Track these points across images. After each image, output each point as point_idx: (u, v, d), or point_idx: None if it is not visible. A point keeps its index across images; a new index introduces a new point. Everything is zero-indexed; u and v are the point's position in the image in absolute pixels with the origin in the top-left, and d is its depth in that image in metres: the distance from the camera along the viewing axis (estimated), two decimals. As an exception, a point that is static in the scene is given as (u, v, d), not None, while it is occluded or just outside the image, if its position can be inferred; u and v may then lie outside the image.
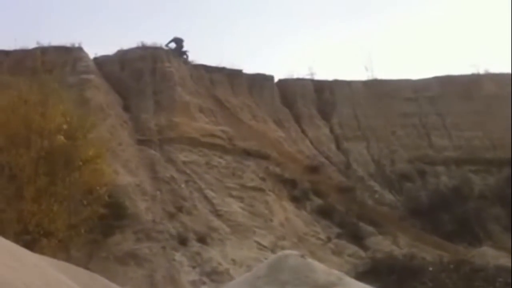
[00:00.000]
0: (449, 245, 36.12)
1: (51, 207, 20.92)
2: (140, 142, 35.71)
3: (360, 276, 21.75)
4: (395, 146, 47.51)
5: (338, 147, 46.27)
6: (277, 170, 38.94)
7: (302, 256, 13.59)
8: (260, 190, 36.14)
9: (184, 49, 44.05)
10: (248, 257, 29.40)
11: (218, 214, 32.56)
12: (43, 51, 38.63)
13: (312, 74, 51.23)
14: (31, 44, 39.31)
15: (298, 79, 50.03)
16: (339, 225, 36.29)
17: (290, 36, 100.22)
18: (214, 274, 27.78)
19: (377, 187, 43.44)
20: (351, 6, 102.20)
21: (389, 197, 43.13)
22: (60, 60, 37.88)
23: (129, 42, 50.23)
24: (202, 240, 30.13)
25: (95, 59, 41.02)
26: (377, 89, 50.68)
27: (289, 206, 36.47)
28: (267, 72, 49.67)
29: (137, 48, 41.78)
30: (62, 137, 21.48)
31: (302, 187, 38.70)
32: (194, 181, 34.20)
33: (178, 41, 43.62)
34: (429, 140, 48.65)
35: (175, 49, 43.41)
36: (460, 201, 40.80)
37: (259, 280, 12.75)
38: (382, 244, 35.19)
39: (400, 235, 37.13)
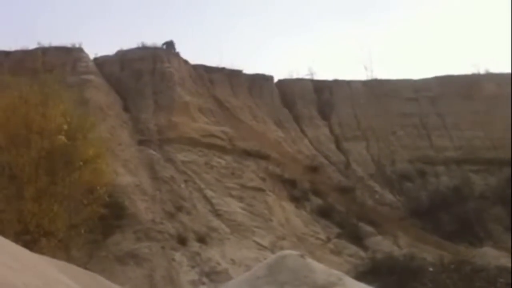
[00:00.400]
0: (450, 245, 36.11)
1: (51, 207, 20.94)
2: (140, 142, 35.78)
3: (360, 277, 21.75)
4: (395, 146, 47.55)
5: (338, 147, 46.31)
6: (277, 170, 38.99)
7: (302, 256, 13.60)
8: (260, 190, 36.18)
9: (176, 51, 44.24)
10: (247, 257, 29.42)
11: (217, 214, 32.60)
12: (44, 51, 38.80)
13: (311, 74, 51.42)
14: (31, 45, 39.58)
15: (297, 79, 50.14)
16: (338, 225, 36.33)
17: (290, 37, 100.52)
18: (213, 274, 27.80)
19: (377, 187, 43.47)
20: (351, 6, 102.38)
21: (389, 197, 43.16)
22: (60, 61, 38.00)
23: (129, 42, 50.40)
24: (201, 240, 30.17)
25: (95, 59, 41.17)
26: (377, 89, 50.73)
27: (289, 206, 36.50)
28: (266, 72, 49.89)
29: (137, 48, 41.92)
30: (62, 137, 21.48)
31: (301, 187, 38.76)
32: (193, 181, 34.24)
33: (169, 44, 43.75)
34: (430, 140, 48.69)
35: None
36: (460, 201, 40.80)
37: (258, 280, 12.76)
38: (382, 244, 35.20)
39: (400, 235, 37.16)
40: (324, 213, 37.09)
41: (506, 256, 32.54)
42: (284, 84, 49.39)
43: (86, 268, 15.15)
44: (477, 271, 26.90)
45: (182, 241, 29.50)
